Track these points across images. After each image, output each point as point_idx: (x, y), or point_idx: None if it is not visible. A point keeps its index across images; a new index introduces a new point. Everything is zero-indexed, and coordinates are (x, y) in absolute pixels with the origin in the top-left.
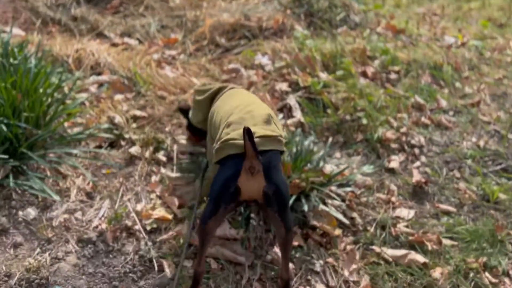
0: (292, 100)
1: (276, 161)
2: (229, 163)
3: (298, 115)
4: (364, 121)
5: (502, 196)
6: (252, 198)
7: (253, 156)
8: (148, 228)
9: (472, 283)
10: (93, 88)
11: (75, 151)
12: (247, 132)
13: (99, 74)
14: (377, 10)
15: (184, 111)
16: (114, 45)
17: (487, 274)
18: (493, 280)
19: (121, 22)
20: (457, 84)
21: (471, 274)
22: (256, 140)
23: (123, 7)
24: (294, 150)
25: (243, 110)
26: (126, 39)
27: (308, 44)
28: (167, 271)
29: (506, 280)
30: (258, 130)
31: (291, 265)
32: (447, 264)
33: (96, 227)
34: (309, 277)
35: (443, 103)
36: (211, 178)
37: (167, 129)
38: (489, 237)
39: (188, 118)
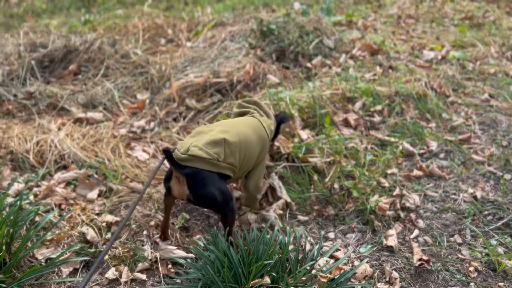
0: (275, 179)
1: (202, 176)
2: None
3: (283, 195)
4: (355, 193)
5: (509, 262)
6: (180, 197)
7: (175, 170)
8: None
9: None
10: (59, 189)
11: None
12: (165, 152)
13: (64, 168)
14: (349, 18)
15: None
16: (78, 120)
17: None
18: None
19: (82, 89)
20: (444, 115)
21: None
22: (185, 156)
23: (82, 71)
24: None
25: (211, 127)
26: (90, 114)
27: (283, 97)
28: None
29: None
30: (194, 150)
31: None
32: None
33: None
34: None
35: (433, 145)
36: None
37: (145, 232)
38: None
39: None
